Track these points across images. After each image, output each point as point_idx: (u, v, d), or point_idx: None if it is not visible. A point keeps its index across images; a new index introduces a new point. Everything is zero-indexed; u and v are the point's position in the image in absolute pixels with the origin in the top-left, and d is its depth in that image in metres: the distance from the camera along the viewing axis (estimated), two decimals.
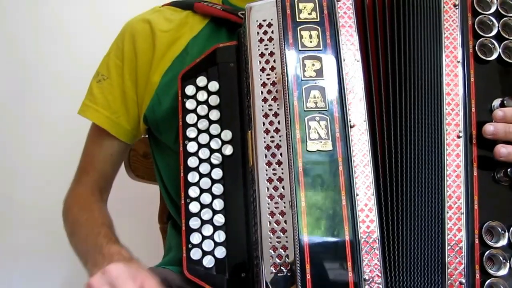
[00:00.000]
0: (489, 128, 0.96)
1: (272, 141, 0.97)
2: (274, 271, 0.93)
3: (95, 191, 1.31)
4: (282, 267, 0.93)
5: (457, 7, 1.03)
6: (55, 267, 1.97)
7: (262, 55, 1.01)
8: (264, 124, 0.98)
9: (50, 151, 1.92)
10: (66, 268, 1.97)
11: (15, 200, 1.93)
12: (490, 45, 1.01)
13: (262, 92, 0.99)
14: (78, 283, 1.97)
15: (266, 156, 0.97)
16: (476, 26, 1.02)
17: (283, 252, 0.93)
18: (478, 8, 1.03)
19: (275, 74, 0.99)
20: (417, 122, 0.99)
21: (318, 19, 1.00)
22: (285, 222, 0.94)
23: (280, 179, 0.96)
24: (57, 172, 1.78)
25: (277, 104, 0.98)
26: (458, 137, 0.98)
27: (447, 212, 0.95)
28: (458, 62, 1.00)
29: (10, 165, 1.94)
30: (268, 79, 0.99)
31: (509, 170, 0.95)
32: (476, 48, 1.01)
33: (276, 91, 0.98)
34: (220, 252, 1.03)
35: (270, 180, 0.96)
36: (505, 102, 0.98)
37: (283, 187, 0.95)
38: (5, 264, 1.95)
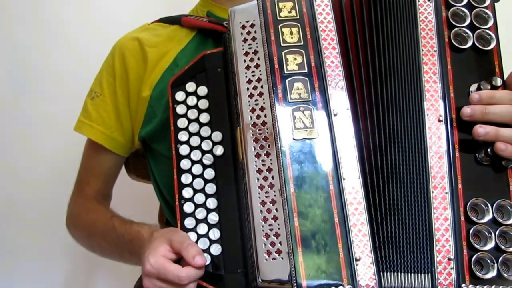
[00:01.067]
0: (466, 110, 0.99)
1: (260, 134, 0.99)
2: (267, 257, 0.95)
3: (98, 197, 1.35)
4: (275, 254, 0.95)
5: (431, 0, 1.07)
6: (55, 267, 1.97)
7: (246, 54, 1.04)
8: (251, 118, 1.01)
9: (50, 151, 1.93)
10: (66, 268, 1.98)
11: (16, 200, 1.93)
12: (464, 34, 1.05)
13: (248, 89, 1.02)
14: (78, 283, 1.99)
15: (255, 148, 0.99)
16: (450, 18, 1.06)
17: (276, 239, 0.95)
18: (451, 0, 1.07)
19: (260, 71, 1.02)
20: (398, 108, 1.02)
21: (298, 17, 1.03)
22: (276, 210, 0.96)
23: (269, 169, 0.98)
24: (58, 172, 1.83)
25: (263, 99, 1.01)
26: (439, 121, 1.01)
27: (432, 192, 0.97)
28: (435, 51, 1.04)
29: (11, 165, 1.94)
30: (253, 76, 1.02)
31: (489, 149, 0.98)
32: (451, 37, 1.05)
33: (262, 87, 1.01)
34: (216, 249, 1.05)
35: (259, 171, 0.98)
36: (481, 86, 1.01)
37: (272, 177, 0.97)
38: (5, 264, 1.95)
